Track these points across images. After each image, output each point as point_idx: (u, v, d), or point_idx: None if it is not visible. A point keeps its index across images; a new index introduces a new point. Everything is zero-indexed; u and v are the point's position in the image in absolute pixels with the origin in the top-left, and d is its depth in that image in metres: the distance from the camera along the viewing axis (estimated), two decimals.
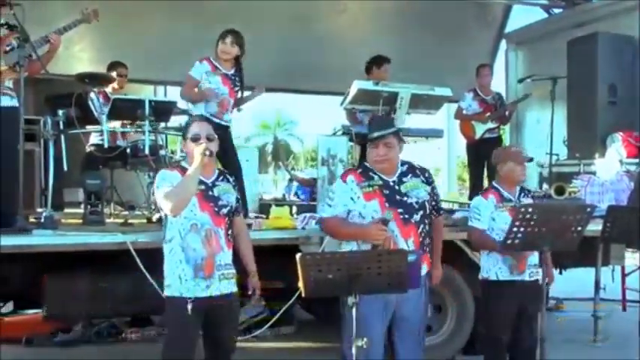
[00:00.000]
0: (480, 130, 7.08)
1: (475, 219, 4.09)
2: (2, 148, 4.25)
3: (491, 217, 4.04)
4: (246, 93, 5.52)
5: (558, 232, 3.57)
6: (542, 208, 3.58)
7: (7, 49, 4.33)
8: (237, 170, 5.10)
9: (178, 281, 3.34)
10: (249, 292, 3.60)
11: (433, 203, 3.64)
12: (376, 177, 3.52)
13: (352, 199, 3.49)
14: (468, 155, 7.48)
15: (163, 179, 3.38)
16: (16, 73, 4.32)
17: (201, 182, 3.38)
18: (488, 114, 7.09)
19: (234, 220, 3.54)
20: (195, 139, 3.40)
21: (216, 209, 3.41)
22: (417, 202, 3.50)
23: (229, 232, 3.48)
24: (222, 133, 5.14)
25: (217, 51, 5.17)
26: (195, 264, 3.33)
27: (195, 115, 4.01)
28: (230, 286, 3.45)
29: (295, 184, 7.54)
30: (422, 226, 3.51)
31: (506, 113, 7.28)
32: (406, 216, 3.45)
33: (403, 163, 3.62)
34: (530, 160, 4.37)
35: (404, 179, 3.54)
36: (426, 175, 3.62)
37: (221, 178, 3.53)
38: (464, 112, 7.25)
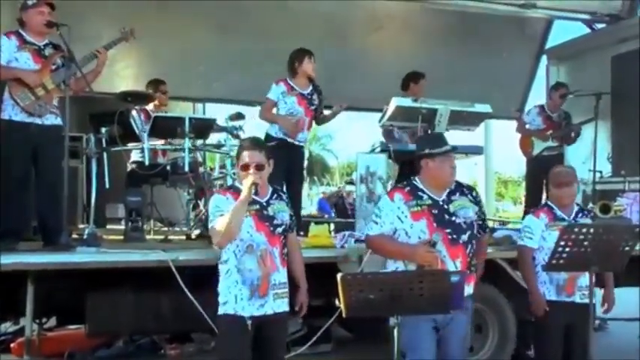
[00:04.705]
0: (539, 147, 6.81)
1: (527, 238, 4.02)
2: (49, 165, 4.35)
3: (542, 236, 3.97)
4: (327, 111, 5.67)
5: (605, 253, 3.48)
6: (588, 227, 3.49)
7: (53, 67, 4.45)
8: (297, 190, 5.22)
9: (234, 300, 3.36)
10: (296, 309, 3.60)
11: (480, 222, 3.57)
12: (425, 196, 3.46)
13: (399, 217, 3.44)
14: (526, 171, 7.26)
15: (216, 206, 3.39)
16: (62, 92, 4.43)
17: (255, 202, 3.39)
18: (551, 132, 6.80)
19: (287, 237, 3.54)
20: (244, 169, 3.38)
21: (271, 229, 3.42)
22: (465, 223, 3.44)
23: (284, 250, 3.49)
24: (293, 152, 5.34)
25: (301, 69, 5.30)
26: (251, 284, 3.35)
27: (245, 139, 3.99)
28: (283, 305, 3.46)
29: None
30: (469, 246, 3.45)
31: (572, 134, 6.91)
32: (454, 236, 3.39)
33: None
34: None
35: (452, 197, 3.48)
36: (474, 194, 3.58)
37: (275, 196, 3.53)
38: (526, 126, 6.96)
